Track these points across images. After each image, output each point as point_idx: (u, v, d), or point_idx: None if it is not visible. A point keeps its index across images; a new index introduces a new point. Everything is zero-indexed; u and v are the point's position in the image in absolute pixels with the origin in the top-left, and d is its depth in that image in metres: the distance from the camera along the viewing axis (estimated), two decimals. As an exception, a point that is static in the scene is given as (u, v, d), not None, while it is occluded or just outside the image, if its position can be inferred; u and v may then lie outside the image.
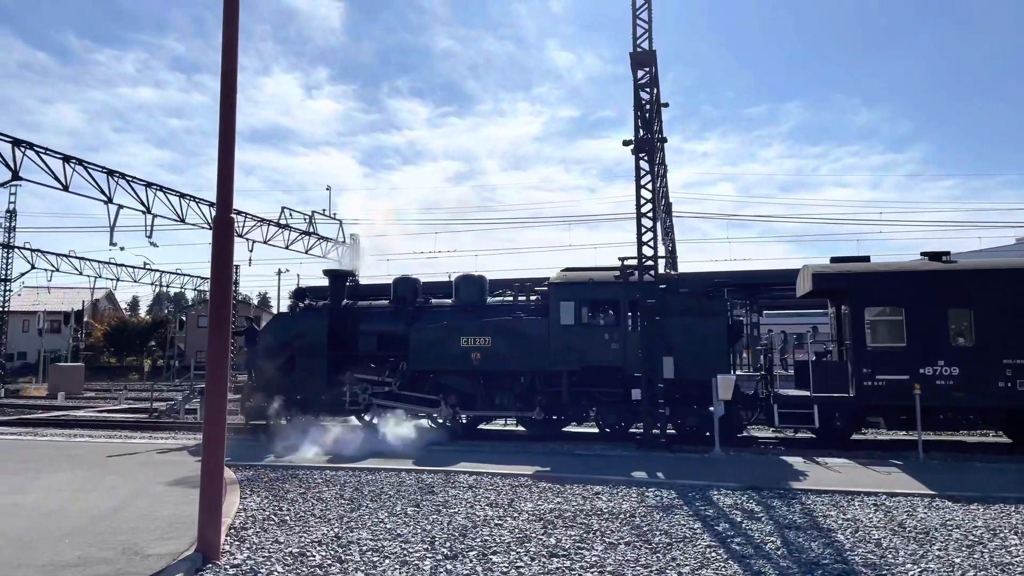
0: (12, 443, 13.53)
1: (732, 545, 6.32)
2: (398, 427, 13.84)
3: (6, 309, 35.60)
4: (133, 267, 34.66)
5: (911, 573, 5.55)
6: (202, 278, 38.22)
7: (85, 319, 52.85)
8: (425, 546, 6.25)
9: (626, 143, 13.70)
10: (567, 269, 15.42)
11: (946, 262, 13.32)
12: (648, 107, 13.66)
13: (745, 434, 14.72)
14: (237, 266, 28.53)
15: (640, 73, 13.40)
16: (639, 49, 13.28)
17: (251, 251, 24.83)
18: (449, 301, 15.76)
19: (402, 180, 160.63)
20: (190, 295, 51.86)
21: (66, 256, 32.47)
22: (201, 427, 7.27)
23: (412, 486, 9.06)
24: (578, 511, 7.64)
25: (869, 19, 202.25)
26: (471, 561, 5.80)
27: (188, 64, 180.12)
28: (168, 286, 38.64)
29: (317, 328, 15.38)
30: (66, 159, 17.84)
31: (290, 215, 24.79)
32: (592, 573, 5.53)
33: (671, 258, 23.25)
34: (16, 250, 32.81)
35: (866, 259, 14.25)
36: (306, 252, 26.13)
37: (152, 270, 35.60)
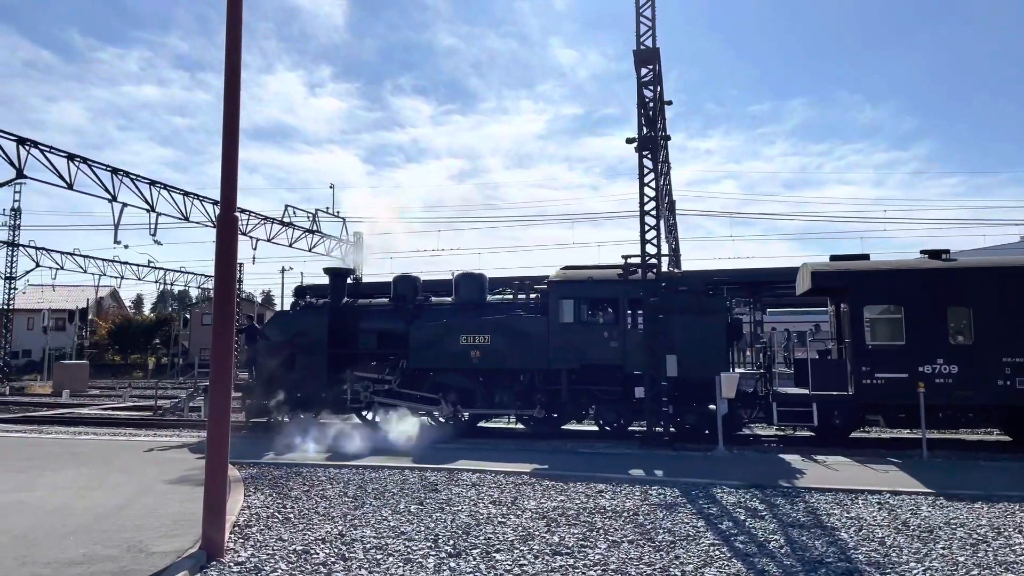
0: (17, 440, 13.59)
1: (735, 543, 6.32)
2: (399, 425, 13.89)
3: (11, 307, 35.75)
4: (137, 265, 34.85)
5: (915, 572, 5.54)
6: (206, 276, 38.41)
7: (89, 317, 53.07)
8: (429, 544, 6.26)
9: (630, 141, 13.70)
10: (566, 267, 15.43)
11: (945, 260, 13.31)
12: (652, 105, 13.65)
13: (746, 432, 14.73)
14: (241, 264, 28.61)
15: (644, 70, 13.39)
16: (643, 46, 13.27)
17: (255, 249, 25.00)
18: (449, 299, 15.77)
19: (405, 178, 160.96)
20: (194, 293, 52.18)
21: (70, 254, 32.69)
22: (205, 425, 7.30)
23: (415, 484, 9.08)
24: (581, 509, 7.65)
25: (873, 16, 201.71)
26: (475, 559, 5.81)
27: (192, 62, 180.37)
28: (172, 284, 38.82)
29: (317, 326, 15.40)
30: (70, 157, 17.91)
31: (294, 213, 24.91)
32: (595, 571, 5.53)
33: (674, 256, 23.26)
34: (21, 248, 33.03)
35: (866, 257, 14.25)
36: (310, 250, 26.22)
37: (156, 268, 35.77)
